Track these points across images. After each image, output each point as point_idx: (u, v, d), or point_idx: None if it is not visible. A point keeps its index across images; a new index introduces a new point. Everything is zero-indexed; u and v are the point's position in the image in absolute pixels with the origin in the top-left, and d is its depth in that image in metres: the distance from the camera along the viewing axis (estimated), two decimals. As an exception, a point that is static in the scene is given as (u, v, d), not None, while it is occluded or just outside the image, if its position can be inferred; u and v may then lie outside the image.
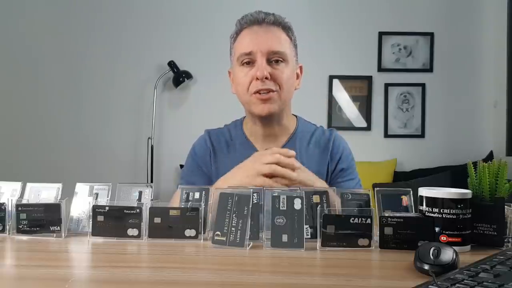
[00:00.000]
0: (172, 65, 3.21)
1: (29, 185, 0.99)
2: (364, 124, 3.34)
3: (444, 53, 3.31)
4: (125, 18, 3.35)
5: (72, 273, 0.71)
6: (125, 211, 0.89)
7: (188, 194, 0.96)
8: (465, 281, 0.56)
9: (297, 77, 1.25)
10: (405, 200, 0.91)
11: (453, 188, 0.85)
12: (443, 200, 0.81)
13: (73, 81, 3.36)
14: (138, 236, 0.88)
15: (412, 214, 0.86)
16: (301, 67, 1.27)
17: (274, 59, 1.15)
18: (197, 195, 0.96)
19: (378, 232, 0.83)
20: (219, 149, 1.28)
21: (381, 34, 3.32)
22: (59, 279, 0.65)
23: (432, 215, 0.81)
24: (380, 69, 3.33)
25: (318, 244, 0.82)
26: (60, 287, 0.60)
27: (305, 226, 0.83)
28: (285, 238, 0.82)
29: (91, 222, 0.89)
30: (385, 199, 0.90)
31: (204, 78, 3.31)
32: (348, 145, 1.31)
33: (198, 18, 3.32)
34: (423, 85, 3.32)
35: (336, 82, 3.35)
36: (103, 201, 0.95)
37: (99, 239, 0.89)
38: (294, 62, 1.21)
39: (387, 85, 3.33)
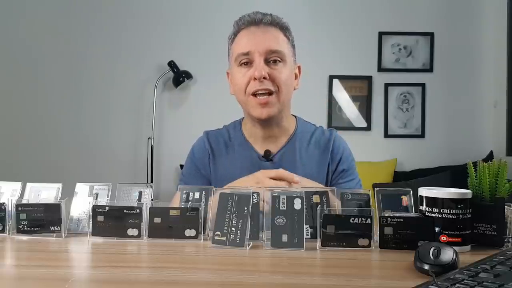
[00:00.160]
0: (172, 65, 3.21)
1: (29, 185, 0.99)
2: (364, 124, 3.34)
3: (444, 53, 3.31)
4: (125, 18, 3.35)
5: (72, 273, 0.71)
6: (125, 211, 0.89)
7: (188, 194, 0.96)
8: (465, 281, 0.56)
9: (296, 77, 1.25)
10: (405, 200, 0.91)
11: (453, 188, 0.85)
12: (443, 200, 0.81)
13: (73, 81, 3.36)
14: (138, 236, 0.88)
15: (412, 214, 0.86)
16: (299, 67, 1.26)
17: (272, 59, 1.15)
18: (197, 195, 0.96)
19: (378, 232, 0.83)
20: (217, 151, 1.28)
21: (381, 34, 3.32)
22: (59, 279, 0.65)
23: (432, 215, 0.81)
24: (380, 69, 3.33)
25: (318, 244, 0.82)
26: (60, 287, 0.60)
27: (305, 226, 0.83)
28: (285, 238, 0.82)
29: (91, 222, 0.89)
30: (385, 199, 0.90)
31: (204, 78, 3.31)
32: (348, 145, 1.31)
33: (198, 18, 3.33)
34: (423, 85, 3.32)
35: (336, 82, 3.35)
36: (103, 201, 0.95)
37: (99, 239, 0.89)
38: (292, 62, 1.21)
39: (387, 85, 3.33)
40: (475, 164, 0.89)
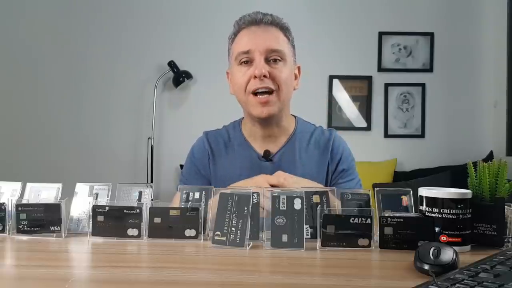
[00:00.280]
0: (172, 65, 3.21)
1: (29, 185, 0.99)
2: (364, 124, 3.34)
3: (444, 53, 3.31)
4: (125, 18, 3.35)
5: (72, 273, 0.71)
6: (125, 211, 0.89)
7: (188, 194, 0.96)
8: (465, 281, 0.56)
9: (296, 77, 1.25)
10: (405, 200, 0.91)
11: (453, 188, 0.85)
12: (443, 200, 0.81)
13: (73, 81, 3.36)
14: (138, 236, 0.88)
15: (412, 214, 0.86)
16: (299, 68, 1.27)
17: (273, 58, 1.15)
18: (197, 195, 0.96)
19: (378, 232, 0.83)
20: (217, 151, 1.28)
21: (381, 34, 3.32)
22: (59, 279, 0.65)
23: (432, 215, 0.81)
24: (380, 69, 3.33)
25: (318, 244, 0.82)
26: (60, 287, 0.60)
27: (305, 226, 0.83)
28: (285, 238, 0.82)
29: (91, 222, 0.89)
30: (385, 199, 0.90)
31: (204, 78, 3.31)
32: (348, 145, 1.31)
33: (198, 18, 3.33)
34: (423, 85, 3.32)
35: (336, 82, 3.35)
36: (103, 201, 0.95)
37: (99, 239, 0.89)
38: (292, 62, 1.21)
39: (387, 85, 3.33)
40: (475, 164, 0.89)
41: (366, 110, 3.34)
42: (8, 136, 3.34)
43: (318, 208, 0.85)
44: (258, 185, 1.01)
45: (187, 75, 3.22)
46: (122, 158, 3.32)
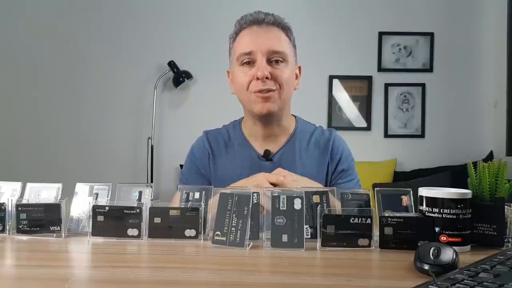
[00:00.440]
0: (172, 65, 3.21)
1: (29, 185, 0.99)
2: (364, 124, 3.34)
3: (444, 53, 3.31)
4: (125, 18, 3.35)
5: (72, 273, 0.71)
6: (125, 211, 0.89)
7: (188, 194, 0.96)
8: (465, 281, 0.56)
9: (296, 77, 1.25)
10: (405, 200, 0.90)
11: (453, 188, 0.85)
12: (443, 200, 0.81)
13: (73, 81, 3.36)
14: (138, 236, 0.88)
15: (412, 214, 0.86)
16: (299, 68, 1.27)
17: (274, 59, 1.15)
18: (197, 195, 0.96)
19: (378, 232, 0.83)
20: (217, 150, 1.28)
21: (381, 34, 3.32)
22: (59, 279, 0.65)
23: (432, 215, 0.81)
24: (380, 69, 3.33)
25: (318, 244, 0.82)
26: (60, 287, 0.60)
27: (305, 226, 0.83)
28: (285, 238, 0.82)
29: (91, 222, 0.89)
30: (385, 199, 0.90)
31: (204, 78, 3.31)
32: (348, 145, 1.31)
33: (198, 18, 3.33)
34: (423, 85, 3.32)
35: (336, 82, 3.35)
36: (103, 201, 0.95)
37: (99, 239, 0.89)
38: (293, 62, 1.21)
39: (387, 85, 3.33)
40: (475, 164, 0.89)
41: (366, 110, 3.34)
42: (8, 136, 3.34)
43: (318, 208, 0.85)
44: (258, 183, 1.02)
45: (187, 75, 3.22)
46: (122, 158, 3.32)
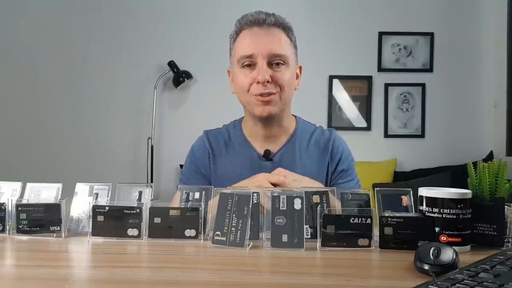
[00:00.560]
0: (172, 65, 3.21)
1: (29, 185, 0.99)
2: (364, 124, 3.34)
3: (444, 53, 3.31)
4: (125, 18, 3.35)
5: (72, 273, 0.71)
6: (125, 211, 0.89)
7: (188, 194, 0.96)
8: (465, 281, 0.56)
9: (297, 77, 1.25)
10: (405, 200, 0.91)
11: (453, 188, 0.85)
12: (443, 200, 0.81)
13: (73, 81, 3.36)
14: (138, 236, 0.88)
15: (412, 214, 0.86)
16: (300, 67, 1.26)
17: (275, 61, 1.14)
18: (197, 195, 0.96)
19: (378, 232, 0.83)
20: (217, 150, 1.27)
21: (381, 34, 3.32)
22: (59, 279, 0.65)
23: (432, 215, 0.81)
24: (380, 69, 3.33)
25: (318, 244, 0.82)
26: (60, 287, 0.60)
27: (305, 226, 0.83)
28: (285, 238, 0.82)
29: (91, 222, 0.89)
30: (385, 199, 0.90)
31: (204, 78, 3.31)
32: (348, 146, 1.31)
33: (198, 18, 3.33)
34: (423, 85, 3.32)
35: (336, 82, 3.35)
36: (103, 201, 0.95)
37: (99, 239, 0.89)
38: (294, 64, 1.21)
39: (387, 85, 3.33)
40: (475, 164, 0.89)
41: (366, 110, 3.34)
42: (8, 136, 3.34)
43: (318, 208, 0.85)
44: (259, 184, 1.02)
45: (187, 75, 3.22)
46: (122, 158, 3.32)
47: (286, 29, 1.19)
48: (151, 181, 3.13)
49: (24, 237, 0.91)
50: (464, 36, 3.30)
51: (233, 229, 0.83)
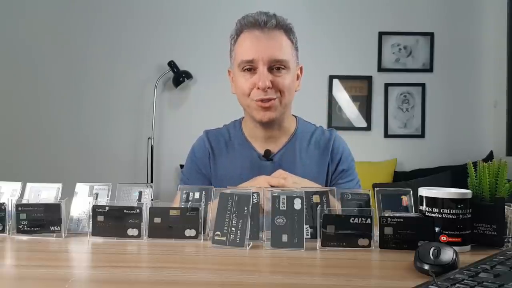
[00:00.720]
0: (172, 65, 3.21)
1: (29, 185, 0.99)
2: (364, 124, 3.34)
3: (444, 53, 3.31)
4: (125, 18, 3.35)
5: (72, 273, 0.71)
6: (125, 211, 0.89)
7: (188, 194, 0.96)
8: (465, 281, 0.56)
9: (297, 77, 1.24)
10: (405, 200, 0.91)
11: (453, 188, 0.85)
12: (443, 200, 0.81)
13: (73, 81, 3.36)
14: (138, 236, 0.88)
15: (412, 214, 0.86)
16: (301, 68, 1.26)
17: (276, 66, 1.14)
18: (197, 195, 0.96)
19: (378, 232, 0.83)
20: (218, 150, 1.27)
21: (381, 34, 3.32)
22: (59, 279, 0.65)
23: (432, 215, 0.81)
24: (380, 69, 3.33)
25: (318, 244, 0.82)
26: (60, 287, 0.60)
27: (305, 226, 0.83)
28: (285, 238, 0.82)
29: (91, 222, 0.89)
30: (385, 199, 0.90)
31: (204, 78, 3.31)
32: (348, 146, 1.31)
33: (198, 18, 3.32)
34: (423, 85, 3.32)
35: (336, 82, 3.35)
36: (103, 201, 0.95)
37: (99, 239, 0.89)
38: (295, 66, 1.20)
39: (387, 85, 3.33)
40: (475, 164, 0.89)
41: (366, 110, 3.34)
42: (8, 136, 3.34)
43: (318, 208, 0.85)
44: (260, 187, 1.01)
45: (187, 75, 3.22)
46: (122, 158, 3.32)
47: (288, 31, 1.17)
48: (151, 181, 3.13)
49: (24, 237, 0.91)
50: (464, 36, 3.30)
51: (233, 229, 0.83)
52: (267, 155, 1.23)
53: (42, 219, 0.91)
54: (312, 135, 1.28)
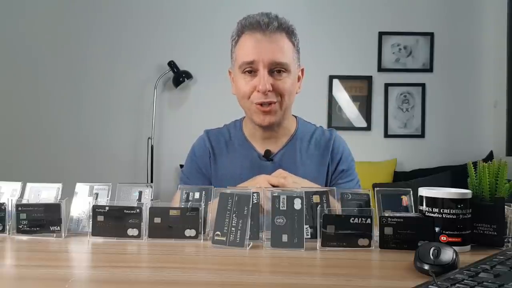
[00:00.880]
0: (172, 65, 3.21)
1: (29, 185, 0.99)
2: (364, 124, 3.34)
3: (444, 53, 3.31)
4: (125, 18, 3.35)
5: (72, 273, 0.71)
6: (125, 211, 0.89)
7: (188, 194, 0.96)
8: (465, 281, 0.56)
9: (298, 79, 1.24)
10: (405, 200, 0.91)
11: (453, 188, 0.85)
12: (443, 200, 0.81)
13: (73, 81, 3.36)
14: (138, 236, 0.88)
15: (412, 214, 0.86)
16: (302, 70, 1.25)
17: (277, 69, 1.13)
18: (197, 195, 0.96)
19: (378, 232, 0.83)
20: (218, 150, 1.27)
21: (381, 34, 3.32)
22: (59, 279, 0.65)
23: (432, 215, 0.81)
24: (380, 69, 3.33)
25: (318, 244, 0.82)
26: (60, 287, 0.60)
27: (305, 226, 0.83)
28: (285, 238, 0.82)
29: (91, 222, 0.89)
30: (385, 199, 0.90)
31: (204, 78, 3.31)
32: (348, 146, 1.31)
33: (198, 18, 3.32)
34: (423, 85, 3.32)
35: (336, 82, 3.35)
36: (103, 201, 0.95)
37: (99, 239, 0.89)
38: (296, 69, 1.19)
39: (387, 85, 3.33)
40: (475, 164, 0.89)
41: (366, 110, 3.34)
42: (8, 136, 3.34)
43: (318, 208, 0.85)
44: (260, 186, 1.01)
45: (187, 75, 3.22)
46: (122, 158, 3.32)
47: (289, 33, 1.16)
48: (151, 181, 3.13)
49: (24, 237, 0.91)
50: (464, 36, 3.30)
51: (233, 229, 0.83)
52: (267, 155, 1.23)
53: (42, 219, 0.91)
54: (312, 135, 1.28)
